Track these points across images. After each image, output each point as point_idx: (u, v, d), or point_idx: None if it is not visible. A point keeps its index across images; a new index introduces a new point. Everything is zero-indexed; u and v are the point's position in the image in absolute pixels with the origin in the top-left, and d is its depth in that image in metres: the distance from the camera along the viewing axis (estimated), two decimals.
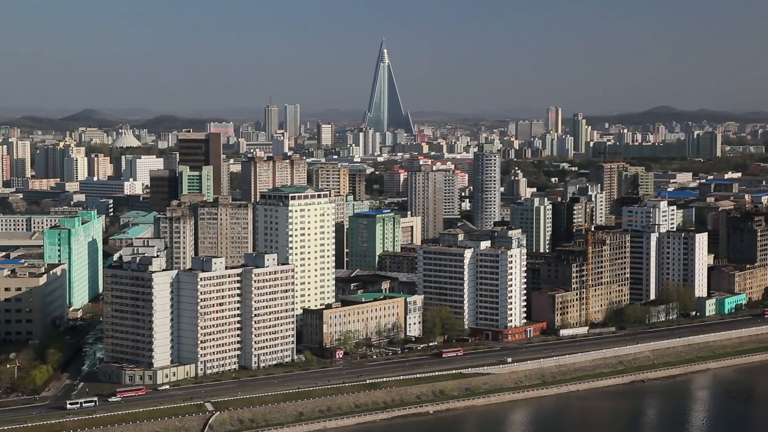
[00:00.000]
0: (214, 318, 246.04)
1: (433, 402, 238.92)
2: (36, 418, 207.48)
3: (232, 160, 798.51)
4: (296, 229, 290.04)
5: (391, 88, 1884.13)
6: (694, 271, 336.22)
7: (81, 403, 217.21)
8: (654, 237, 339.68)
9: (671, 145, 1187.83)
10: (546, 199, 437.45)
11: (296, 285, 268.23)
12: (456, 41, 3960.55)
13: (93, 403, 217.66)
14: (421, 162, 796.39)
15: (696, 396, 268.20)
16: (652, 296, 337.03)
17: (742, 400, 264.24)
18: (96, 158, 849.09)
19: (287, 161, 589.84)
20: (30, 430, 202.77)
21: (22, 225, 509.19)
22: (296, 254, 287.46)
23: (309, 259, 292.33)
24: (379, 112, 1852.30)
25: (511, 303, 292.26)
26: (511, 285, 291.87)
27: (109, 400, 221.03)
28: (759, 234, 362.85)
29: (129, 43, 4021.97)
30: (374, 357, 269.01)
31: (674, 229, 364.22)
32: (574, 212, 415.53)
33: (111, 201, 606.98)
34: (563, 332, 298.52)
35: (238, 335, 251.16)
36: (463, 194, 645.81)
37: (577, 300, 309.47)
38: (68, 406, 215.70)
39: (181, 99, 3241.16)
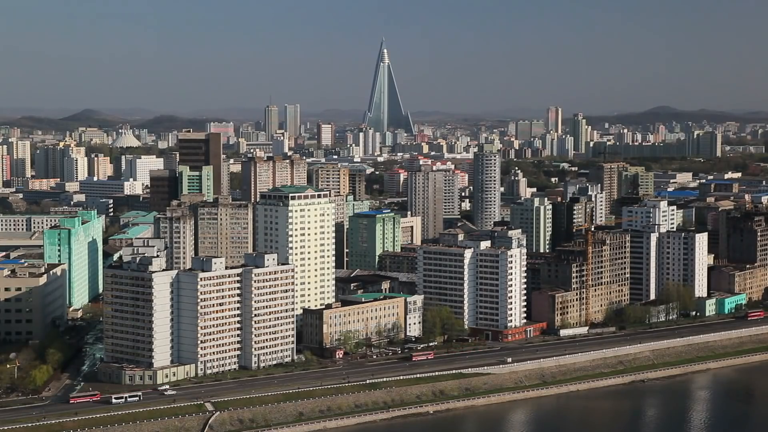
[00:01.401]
0: (214, 318, 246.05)
1: (433, 402, 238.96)
2: (36, 418, 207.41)
3: (232, 160, 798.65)
4: (296, 229, 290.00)
5: (391, 88, 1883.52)
6: (694, 271, 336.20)
7: (126, 397, 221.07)
8: (654, 237, 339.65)
9: (671, 145, 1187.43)
10: (546, 199, 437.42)
11: (296, 285, 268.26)
12: (456, 41, 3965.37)
13: (137, 398, 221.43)
14: (421, 162, 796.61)
15: (696, 396, 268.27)
16: (652, 296, 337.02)
17: (742, 399, 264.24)
18: (96, 158, 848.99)
19: (287, 161, 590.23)
20: (30, 430, 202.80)
21: (22, 225, 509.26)
22: (296, 254, 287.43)
23: (309, 259, 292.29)
24: (379, 112, 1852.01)
25: (511, 303, 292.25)
26: (511, 285, 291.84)
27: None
28: (759, 234, 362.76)
29: (129, 43, 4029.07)
30: (374, 357, 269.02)
31: (674, 229, 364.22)
32: (574, 212, 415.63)
33: (111, 201, 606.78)
34: (563, 332, 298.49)
35: (238, 335, 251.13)
36: (463, 194, 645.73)
37: (577, 300, 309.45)
38: (113, 400, 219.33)
39: (181, 99, 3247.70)
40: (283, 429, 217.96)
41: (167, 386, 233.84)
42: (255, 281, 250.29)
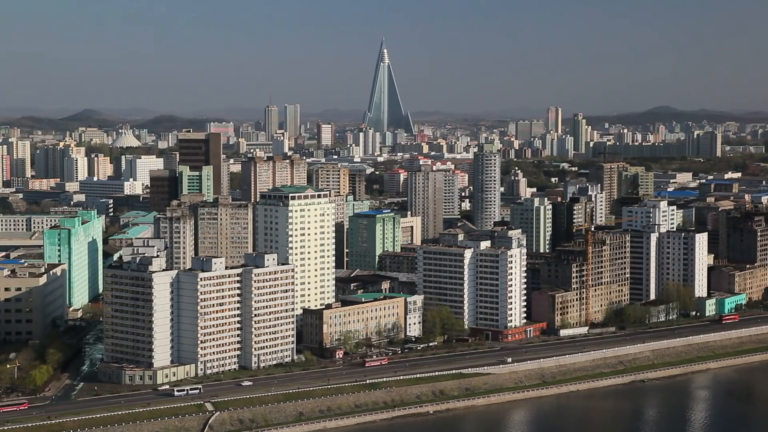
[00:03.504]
0: (214, 318, 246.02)
1: (433, 402, 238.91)
2: (36, 418, 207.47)
3: (232, 160, 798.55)
4: (296, 229, 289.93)
5: (391, 88, 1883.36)
6: (694, 271, 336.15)
7: (187, 390, 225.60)
8: (654, 237, 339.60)
9: (671, 145, 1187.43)
10: (546, 199, 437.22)
11: (296, 285, 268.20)
12: (456, 41, 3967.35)
13: (198, 390, 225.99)
14: (421, 162, 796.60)
15: (696, 396, 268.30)
16: (652, 296, 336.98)
17: (742, 399, 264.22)
18: (96, 158, 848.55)
19: (287, 161, 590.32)
20: (30, 430, 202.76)
21: (22, 225, 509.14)
22: (296, 254, 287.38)
23: (309, 259, 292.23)
24: (379, 112, 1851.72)
25: (511, 303, 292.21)
26: (511, 285, 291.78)
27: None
28: (759, 234, 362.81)
29: (129, 43, 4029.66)
30: (374, 357, 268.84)
31: (674, 229, 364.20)
32: (574, 212, 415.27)
33: (111, 201, 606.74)
34: (563, 332, 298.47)
35: (238, 335, 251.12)
36: (463, 194, 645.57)
37: (577, 300, 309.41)
38: (176, 393, 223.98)
39: (181, 99, 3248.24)
40: (283, 429, 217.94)
41: (244, 378, 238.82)
42: (255, 281, 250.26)
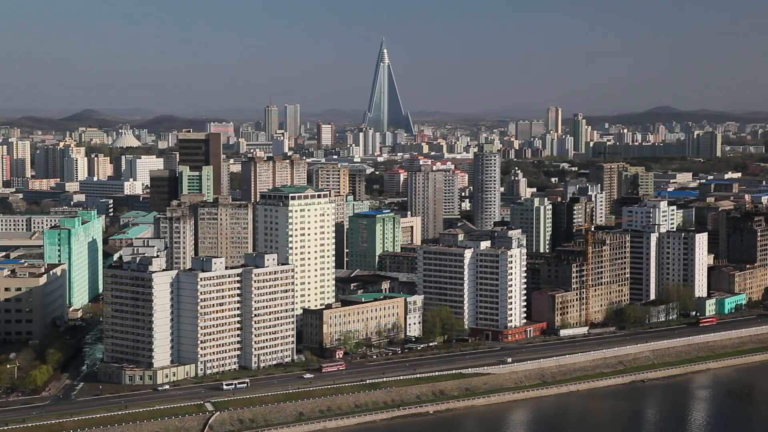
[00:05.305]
0: (214, 318, 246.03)
1: (433, 402, 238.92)
2: (36, 418, 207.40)
3: (232, 160, 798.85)
4: (296, 229, 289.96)
5: (391, 88, 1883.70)
6: (694, 271, 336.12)
7: (235, 384, 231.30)
8: (654, 237, 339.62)
9: (671, 145, 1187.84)
10: (546, 199, 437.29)
11: (296, 285, 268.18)
12: (456, 41, 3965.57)
13: (246, 384, 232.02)
14: (421, 162, 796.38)
15: (696, 396, 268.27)
16: (652, 296, 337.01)
17: (742, 399, 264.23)
18: (96, 158, 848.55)
19: (287, 161, 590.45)
20: (30, 430, 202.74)
21: (22, 225, 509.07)
22: (296, 254, 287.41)
23: (309, 259, 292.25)
24: (379, 112, 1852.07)
25: (511, 303, 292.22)
26: (511, 285, 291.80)
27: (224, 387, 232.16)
28: (759, 234, 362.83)
29: (129, 43, 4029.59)
30: (374, 357, 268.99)
31: (674, 229, 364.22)
32: (574, 212, 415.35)
33: (111, 201, 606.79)
34: (563, 332, 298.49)
35: (238, 335, 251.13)
36: (463, 194, 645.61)
37: (577, 300, 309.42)
38: (224, 387, 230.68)
39: (181, 99, 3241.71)
40: (283, 429, 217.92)
41: (304, 372, 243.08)
42: (255, 281, 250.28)
